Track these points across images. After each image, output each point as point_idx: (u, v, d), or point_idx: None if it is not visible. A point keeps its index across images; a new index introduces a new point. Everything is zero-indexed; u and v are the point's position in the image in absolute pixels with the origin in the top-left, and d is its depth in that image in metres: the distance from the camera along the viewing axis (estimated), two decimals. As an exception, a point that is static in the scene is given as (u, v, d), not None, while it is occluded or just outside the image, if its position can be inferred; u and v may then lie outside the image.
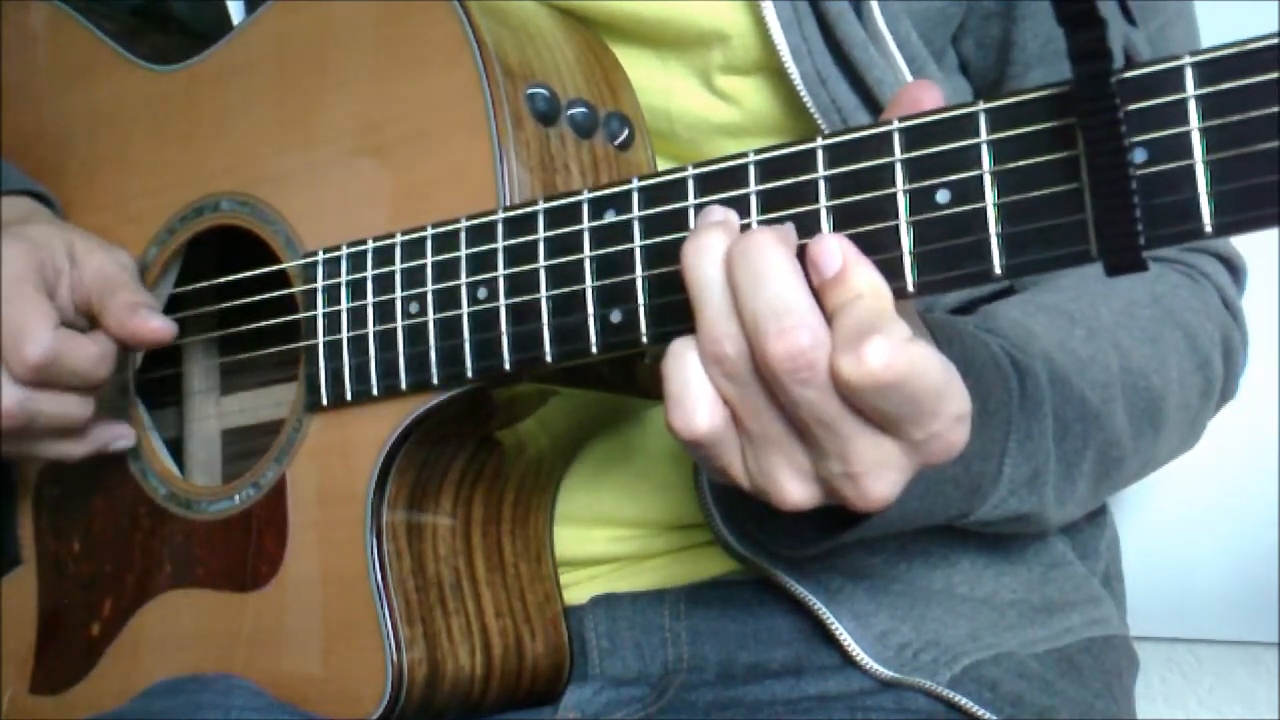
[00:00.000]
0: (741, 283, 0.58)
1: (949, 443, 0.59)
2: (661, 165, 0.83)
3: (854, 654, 0.79)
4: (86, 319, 0.85)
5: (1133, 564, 0.98)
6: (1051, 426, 0.76)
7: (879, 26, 0.79)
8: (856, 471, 0.59)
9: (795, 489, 0.61)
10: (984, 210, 0.56)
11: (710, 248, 0.60)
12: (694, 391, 0.60)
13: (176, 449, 0.95)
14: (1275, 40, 0.50)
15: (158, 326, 0.83)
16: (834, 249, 0.58)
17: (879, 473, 0.59)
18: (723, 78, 0.82)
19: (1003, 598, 0.84)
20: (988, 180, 0.56)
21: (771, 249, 0.58)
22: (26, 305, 0.80)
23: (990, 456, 0.73)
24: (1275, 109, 0.50)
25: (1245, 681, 1.15)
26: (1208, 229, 0.52)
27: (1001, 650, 0.81)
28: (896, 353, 0.56)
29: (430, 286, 0.74)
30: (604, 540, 0.87)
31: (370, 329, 0.76)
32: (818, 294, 0.58)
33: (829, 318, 0.58)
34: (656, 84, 0.83)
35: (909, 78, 0.79)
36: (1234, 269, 0.93)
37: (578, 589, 0.87)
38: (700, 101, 0.83)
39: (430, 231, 0.74)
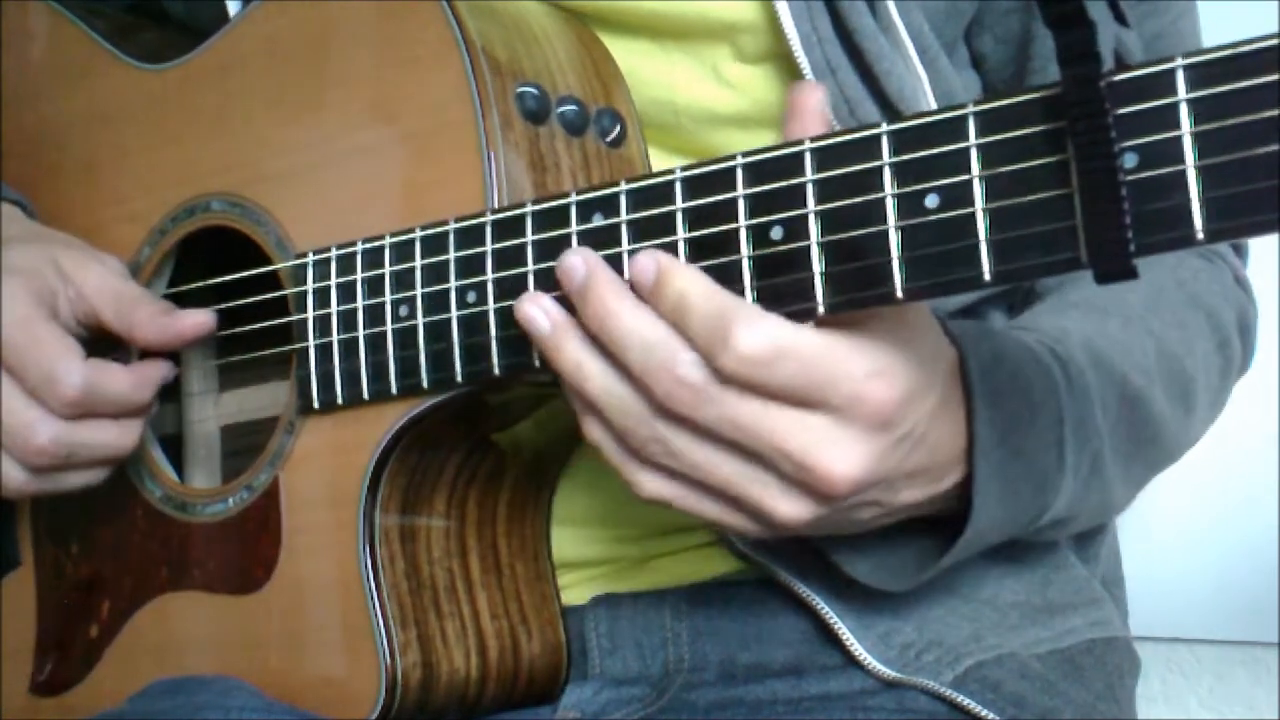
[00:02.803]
0: (613, 351, 0.63)
1: (877, 400, 0.60)
2: (666, 157, 0.82)
3: (857, 654, 0.78)
4: (87, 330, 0.84)
5: (1133, 563, 0.97)
6: (1099, 410, 0.76)
7: (891, 17, 0.78)
8: (805, 460, 0.60)
9: (784, 506, 0.62)
10: (973, 215, 0.56)
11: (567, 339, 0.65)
12: (631, 470, 0.65)
13: (175, 447, 0.94)
14: (1268, 43, 0.49)
15: (199, 320, 0.83)
16: (646, 262, 0.62)
17: (823, 448, 0.60)
18: (730, 67, 0.81)
19: (1005, 599, 0.84)
20: (977, 185, 0.55)
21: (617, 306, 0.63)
22: (49, 344, 0.80)
23: (1049, 447, 0.72)
24: (1268, 113, 0.49)
25: (1245, 681, 1.14)
26: (1199, 235, 0.51)
27: (1004, 651, 0.80)
28: (764, 330, 0.58)
29: (419, 290, 0.73)
30: (605, 541, 0.87)
31: (360, 332, 0.76)
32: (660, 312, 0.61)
33: (683, 333, 0.61)
34: (662, 77, 0.83)
35: (919, 69, 0.79)
36: (1239, 249, 0.94)
37: (579, 589, 0.87)
38: (707, 92, 0.82)
39: (419, 234, 0.73)
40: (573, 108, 0.77)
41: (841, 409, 0.60)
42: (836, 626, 0.79)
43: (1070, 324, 0.79)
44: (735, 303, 0.60)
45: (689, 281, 0.61)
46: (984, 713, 0.76)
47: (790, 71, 0.79)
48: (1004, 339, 0.72)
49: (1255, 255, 0.95)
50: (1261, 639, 1.10)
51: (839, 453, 0.60)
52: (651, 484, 0.65)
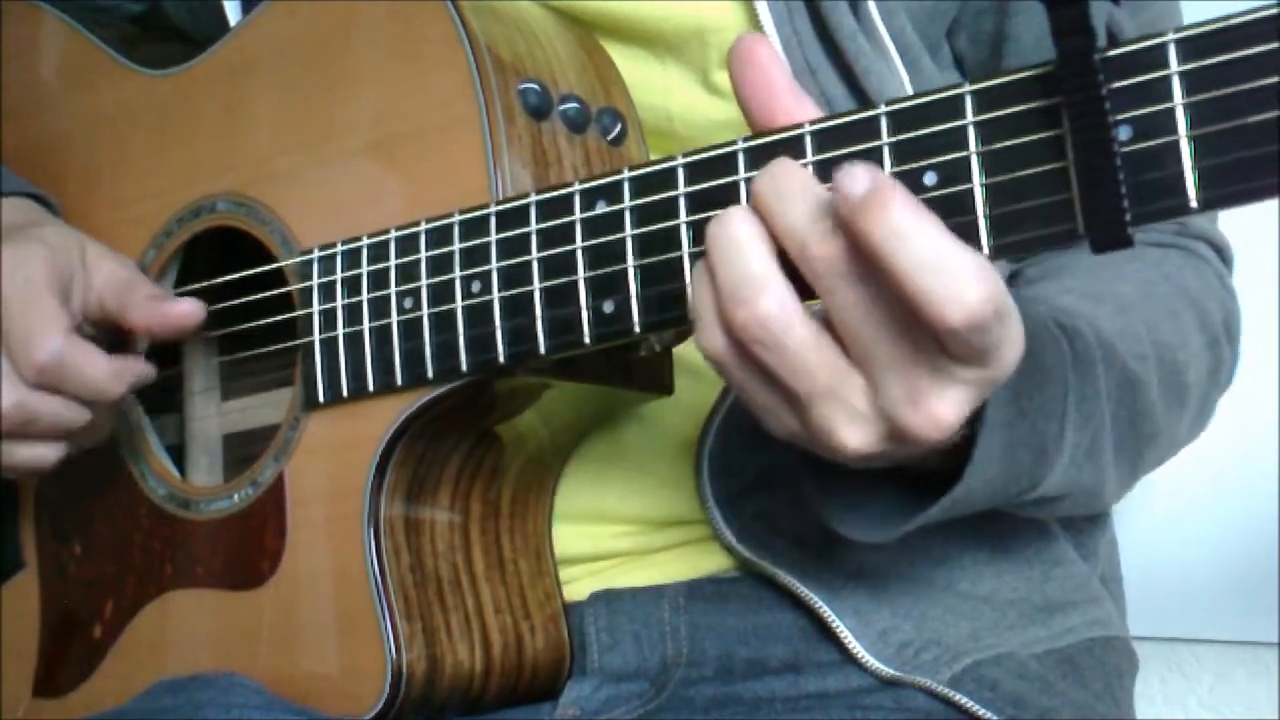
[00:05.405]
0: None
1: (1012, 368, 0.57)
2: (658, 160, 0.83)
3: (855, 652, 0.79)
4: (93, 326, 0.85)
5: (1132, 564, 0.97)
6: (1103, 391, 0.74)
7: (872, 17, 0.79)
8: (919, 391, 0.56)
9: (853, 434, 0.58)
10: (971, 191, 0.57)
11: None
12: (708, 322, 0.59)
13: (179, 455, 0.95)
14: (1257, 15, 0.50)
15: (187, 310, 0.83)
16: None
17: (943, 390, 0.56)
18: (719, 74, 0.82)
19: (1004, 596, 0.84)
20: (974, 161, 0.57)
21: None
22: (41, 310, 0.81)
23: (1053, 416, 0.70)
24: (1257, 83, 0.50)
25: (1245, 681, 1.14)
26: (1193, 204, 0.52)
27: (1002, 650, 0.81)
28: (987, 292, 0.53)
29: (424, 281, 0.74)
30: (605, 537, 0.87)
31: (365, 325, 0.77)
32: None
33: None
34: (656, 83, 0.84)
35: (900, 68, 0.80)
36: (1225, 258, 0.93)
37: (578, 585, 0.87)
38: (699, 100, 0.83)
39: (424, 226, 0.74)
40: (574, 105, 0.78)
41: (994, 380, 0.57)
42: (835, 625, 0.79)
43: (1072, 304, 0.78)
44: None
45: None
46: (981, 712, 0.76)
47: None
48: (1021, 300, 0.67)
49: (1256, 253, 0.94)
50: (1261, 639, 1.10)
51: (957, 394, 0.56)
52: (719, 342, 0.58)
